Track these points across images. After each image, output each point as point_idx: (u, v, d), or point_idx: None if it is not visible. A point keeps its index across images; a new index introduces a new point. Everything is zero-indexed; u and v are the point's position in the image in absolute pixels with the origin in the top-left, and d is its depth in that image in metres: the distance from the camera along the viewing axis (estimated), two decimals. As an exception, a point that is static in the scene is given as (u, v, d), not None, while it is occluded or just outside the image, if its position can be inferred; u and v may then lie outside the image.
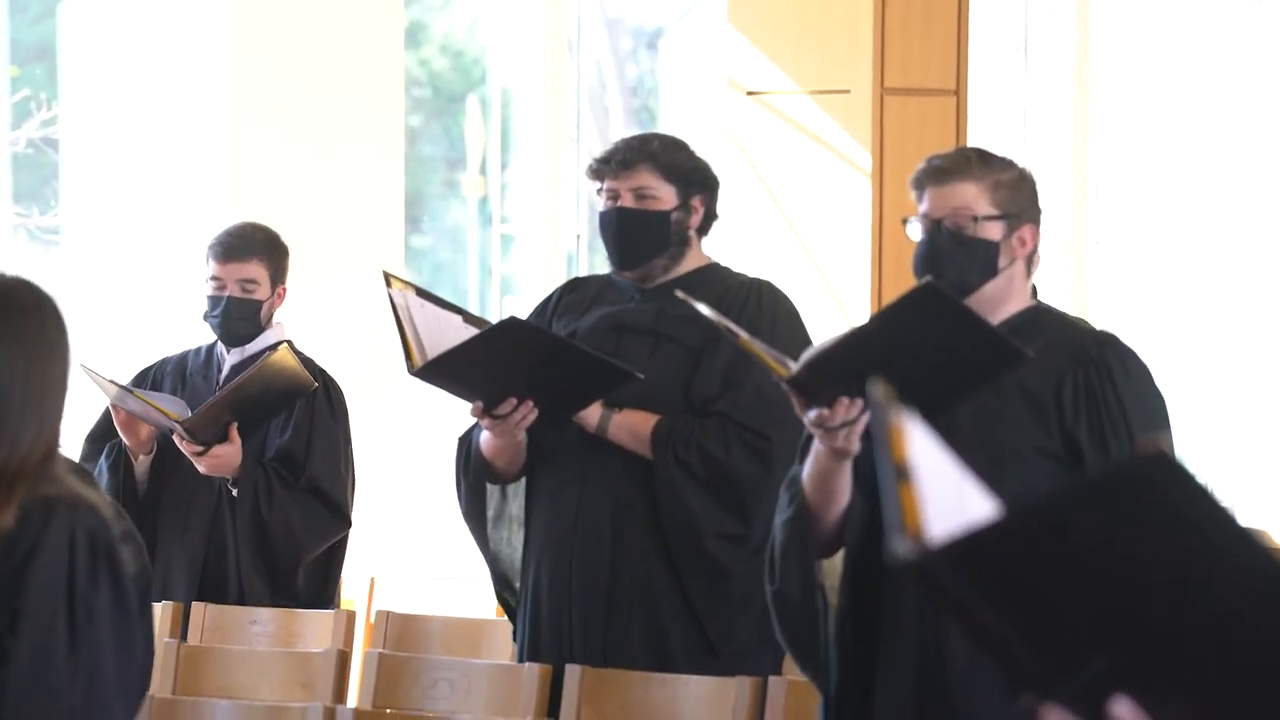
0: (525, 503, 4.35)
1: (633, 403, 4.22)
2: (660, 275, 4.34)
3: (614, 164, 4.28)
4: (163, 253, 7.04)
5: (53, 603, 2.76)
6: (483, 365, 4.10)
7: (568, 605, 4.25)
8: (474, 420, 4.25)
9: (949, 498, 1.64)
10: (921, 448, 1.65)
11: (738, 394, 4.22)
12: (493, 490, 4.36)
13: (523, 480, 4.34)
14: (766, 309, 4.25)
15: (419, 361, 4.12)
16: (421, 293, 4.21)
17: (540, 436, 4.23)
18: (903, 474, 1.63)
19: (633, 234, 4.28)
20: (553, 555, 4.27)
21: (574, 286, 4.48)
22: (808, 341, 4.21)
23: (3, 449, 2.79)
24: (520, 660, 4.32)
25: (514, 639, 4.43)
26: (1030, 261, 3.52)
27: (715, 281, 4.33)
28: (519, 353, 4.11)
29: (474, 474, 4.31)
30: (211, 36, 7.10)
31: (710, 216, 4.37)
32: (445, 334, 4.13)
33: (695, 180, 4.32)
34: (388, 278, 4.21)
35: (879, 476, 1.67)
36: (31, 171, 7.28)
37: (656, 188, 4.29)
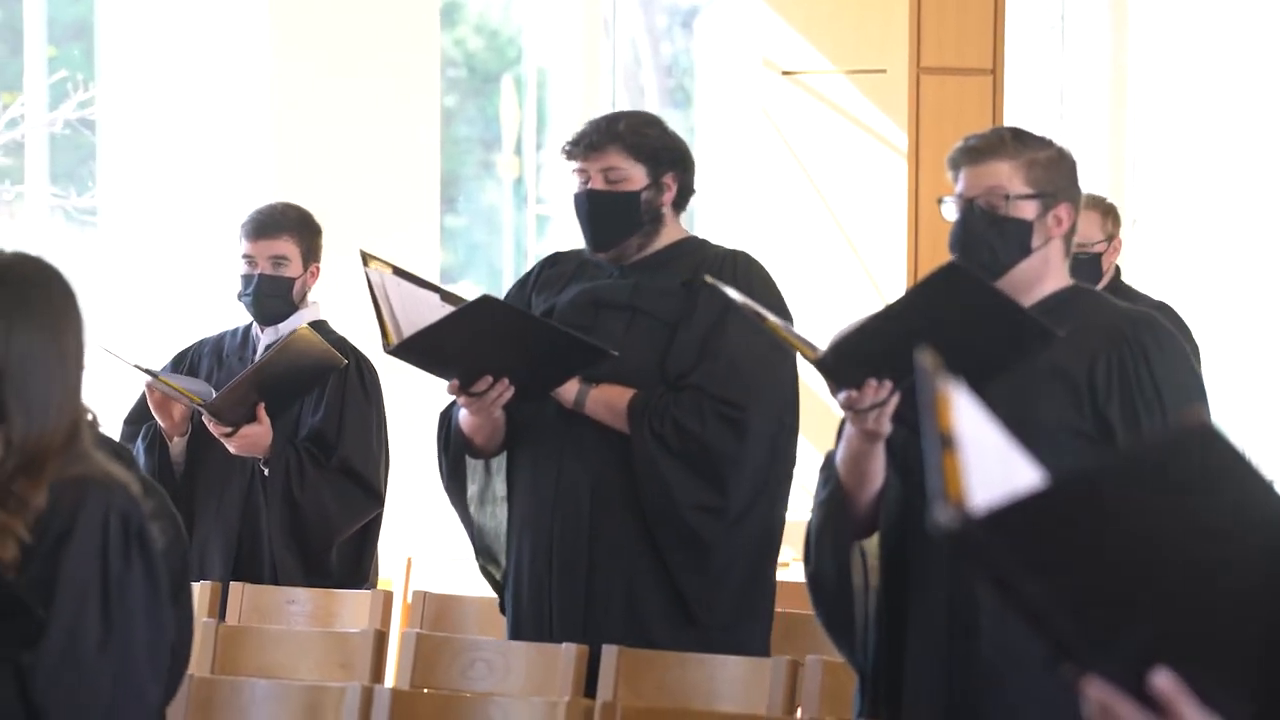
0: (506, 478, 4.37)
1: (609, 377, 4.24)
2: (635, 253, 4.35)
3: (582, 146, 4.31)
4: (200, 234, 7.05)
5: (85, 585, 2.76)
6: (458, 343, 4.13)
7: (548, 579, 4.27)
8: (448, 393, 4.29)
9: (993, 467, 1.64)
10: (967, 417, 1.65)
11: (712, 366, 4.23)
12: (477, 466, 4.38)
13: (504, 457, 4.37)
14: (742, 278, 4.26)
15: (394, 340, 4.15)
16: (399, 271, 4.24)
17: (517, 412, 4.25)
18: (947, 442, 1.63)
19: (604, 216, 4.30)
20: (533, 530, 4.29)
21: (553, 261, 4.50)
22: (785, 311, 4.23)
23: (32, 422, 2.78)
24: (510, 635, 4.34)
25: (501, 611, 4.45)
26: (1068, 241, 3.51)
27: (692, 254, 4.35)
28: (494, 331, 4.13)
29: (454, 450, 4.34)
30: (248, 17, 7.10)
31: (686, 191, 4.37)
32: (422, 313, 4.16)
33: (665, 158, 4.33)
34: (364, 256, 4.23)
35: (924, 445, 1.67)
36: (69, 152, 7.30)
37: (626, 168, 4.30)
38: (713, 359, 4.24)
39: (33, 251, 2.89)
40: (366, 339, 5.52)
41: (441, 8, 7.60)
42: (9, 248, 2.89)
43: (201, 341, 5.46)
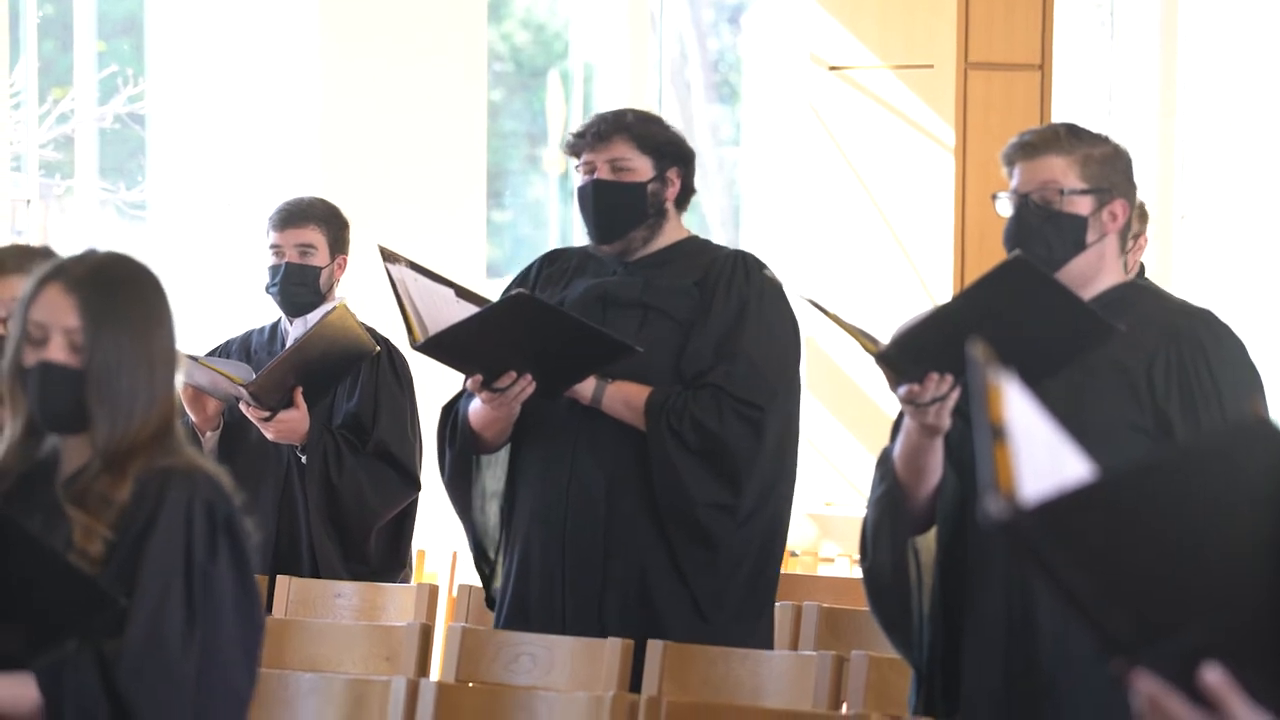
0: (510, 474, 4.37)
1: (624, 376, 4.24)
2: (640, 248, 4.35)
3: (590, 136, 4.31)
4: (248, 227, 7.08)
5: (169, 574, 2.77)
6: (484, 339, 4.13)
7: (560, 574, 4.28)
8: (458, 390, 4.29)
9: (1045, 459, 1.64)
10: (1019, 409, 1.65)
11: (730, 365, 4.24)
12: (474, 461, 4.38)
13: (499, 453, 4.37)
14: (753, 283, 4.27)
15: (420, 336, 4.15)
16: (415, 266, 4.24)
17: (531, 408, 4.26)
18: (999, 434, 1.62)
19: (610, 206, 4.30)
20: (543, 525, 4.29)
21: (553, 258, 4.51)
22: (792, 316, 4.25)
23: (116, 425, 2.80)
24: (497, 626, 4.35)
25: (486, 605, 4.46)
26: (1124, 237, 3.49)
27: (698, 253, 4.36)
28: (522, 327, 4.13)
29: (461, 444, 4.34)
30: (296, 12, 7.12)
31: (687, 190, 4.38)
32: (439, 308, 4.16)
33: (670, 153, 4.34)
34: (385, 252, 4.24)
35: (975, 436, 1.67)
36: (118, 146, 7.33)
37: (632, 159, 4.31)
38: (731, 359, 4.25)
39: (120, 250, 2.91)
40: (400, 332, 5.54)
41: (489, 2, 7.61)
42: (99, 247, 2.91)
43: (229, 341, 5.48)
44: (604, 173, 4.30)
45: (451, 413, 4.38)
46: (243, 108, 7.16)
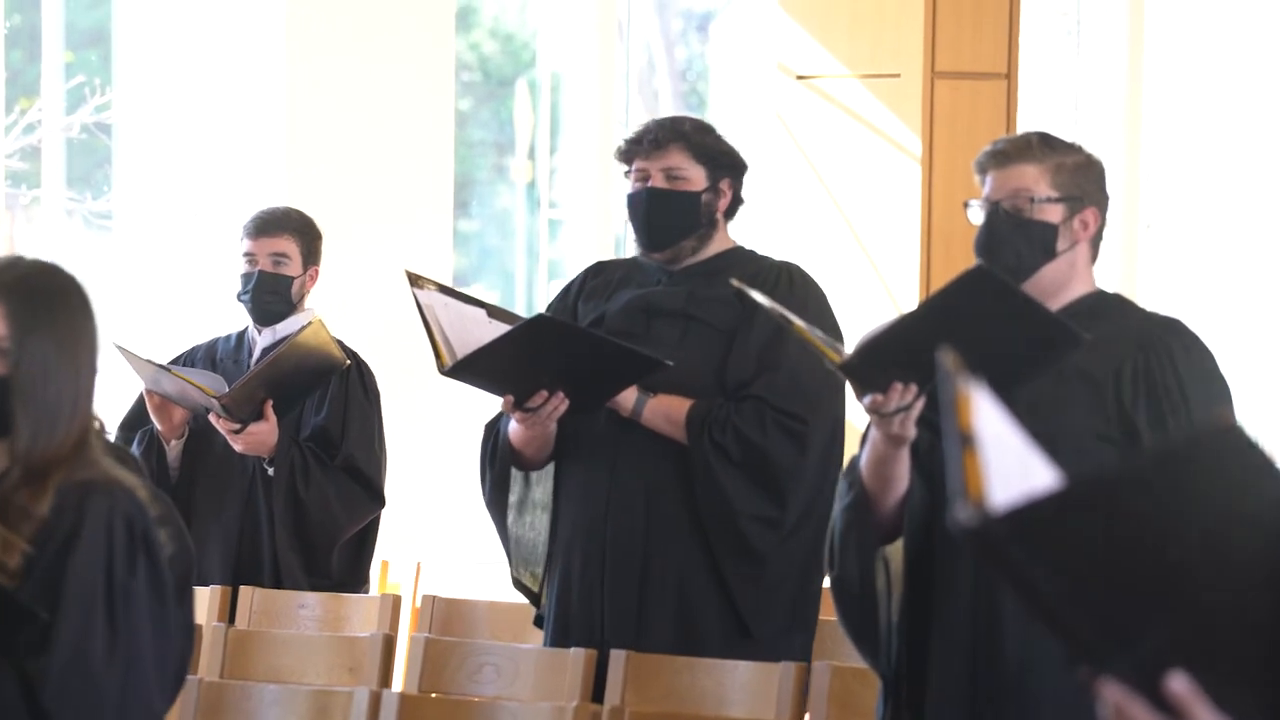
0: (554, 487, 4.35)
1: (666, 387, 4.23)
2: (688, 257, 4.34)
3: (646, 144, 4.29)
4: (215, 237, 7.06)
5: (91, 590, 2.75)
6: (511, 361, 4.12)
7: (600, 588, 4.26)
8: (500, 409, 4.26)
9: (1013, 467, 1.64)
10: (987, 417, 1.65)
11: (773, 377, 4.22)
12: (516, 475, 4.37)
13: (548, 467, 4.36)
14: (798, 292, 4.26)
15: (448, 361, 4.14)
16: (445, 289, 4.23)
17: (569, 423, 4.24)
18: (967, 441, 1.62)
19: (663, 214, 4.29)
20: (584, 539, 4.28)
21: (598, 271, 4.49)
22: (837, 325, 4.22)
23: (39, 435, 2.78)
24: (548, 644, 4.33)
25: (535, 623, 4.44)
26: (1095, 246, 3.50)
27: (744, 264, 4.34)
28: (547, 347, 4.12)
29: (500, 463, 4.32)
30: (264, 22, 7.11)
31: (737, 201, 4.37)
32: (471, 331, 4.15)
33: (724, 163, 4.33)
34: (412, 278, 4.22)
35: (944, 444, 1.67)
36: (85, 156, 7.31)
37: (687, 169, 4.30)
38: (774, 370, 4.23)
39: (49, 259, 2.89)
40: (373, 342, 5.53)
41: (456, 11, 7.60)
42: (26, 254, 2.89)
43: (194, 348, 5.47)
44: (658, 181, 4.28)
45: (493, 431, 4.35)
46: (210, 118, 7.14)
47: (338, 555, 5.22)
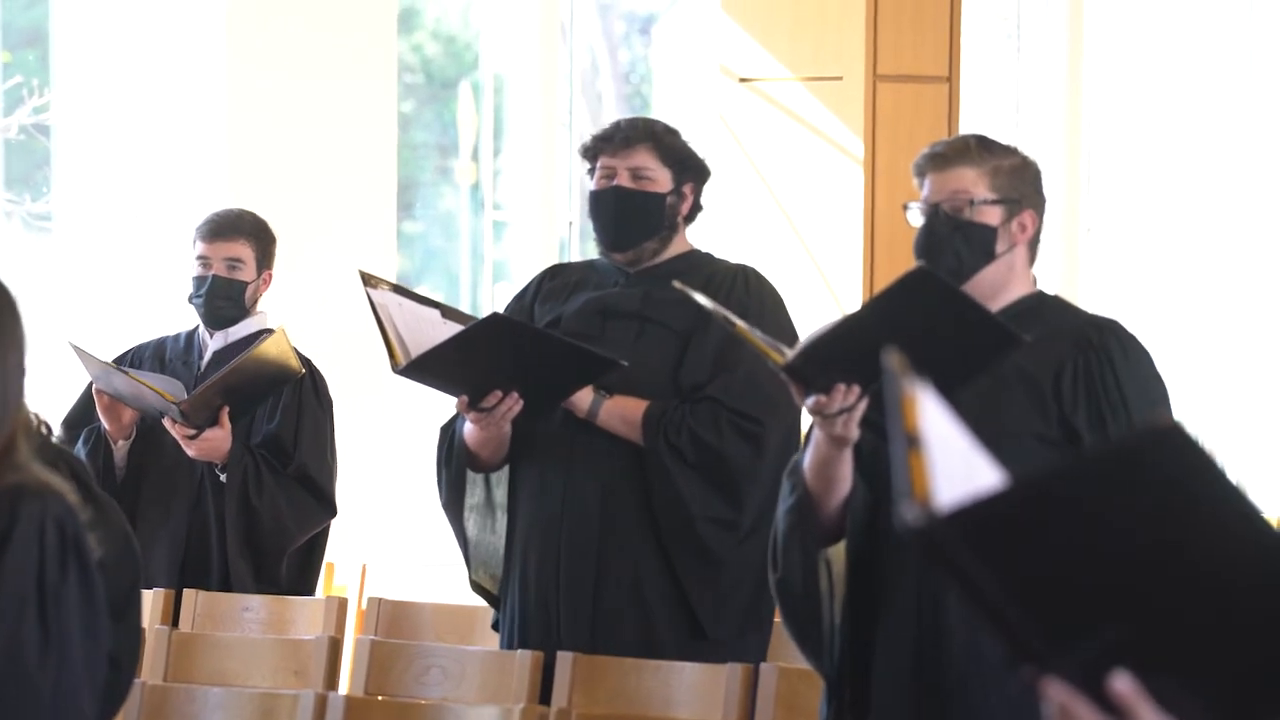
0: (509, 489, 4.35)
1: (621, 387, 4.23)
2: (649, 259, 4.34)
3: (616, 141, 4.28)
4: (155, 239, 7.03)
5: (24, 595, 2.72)
6: (466, 360, 4.11)
7: (555, 590, 4.25)
8: (455, 410, 4.25)
9: (958, 467, 1.65)
10: (932, 418, 1.66)
11: (729, 378, 4.22)
12: (476, 478, 4.36)
13: (506, 469, 4.35)
14: (754, 295, 4.26)
15: (402, 360, 4.13)
16: (399, 289, 4.21)
17: (524, 425, 4.23)
18: (913, 442, 1.63)
19: (629, 214, 4.29)
20: (540, 540, 4.27)
21: (555, 273, 4.48)
22: (792, 328, 4.22)
23: None
24: (505, 646, 4.32)
25: (493, 626, 4.43)
26: (1033, 248, 3.52)
27: (701, 266, 4.34)
28: (502, 347, 4.11)
29: (456, 464, 4.31)
30: (204, 23, 7.08)
31: (697, 206, 4.38)
32: (425, 331, 4.13)
33: (690, 167, 4.33)
34: (365, 277, 4.21)
35: (890, 445, 1.68)
36: (23, 157, 7.27)
37: (654, 169, 4.30)
38: (729, 371, 4.23)
39: None
40: (318, 347, 5.51)
41: (399, 13, 7.58)
42: None
43: (141, 346, 5.42)
44: (624, 180, 4.28)
45: (449, 433, 4.34)
46: (150, 119, 7.11)
47: (286, 563, 5.20)
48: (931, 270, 3.34)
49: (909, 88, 7.83)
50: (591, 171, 4.32)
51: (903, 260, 3.52)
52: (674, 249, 4.35)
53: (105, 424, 5.17)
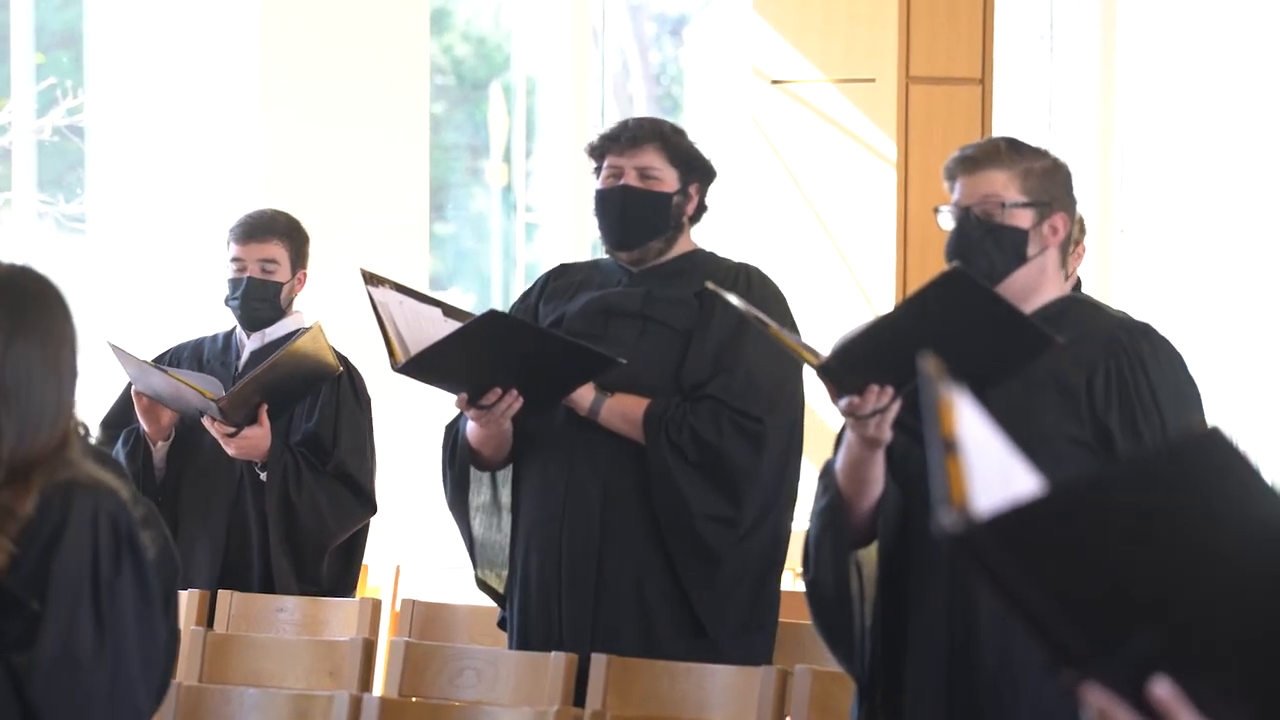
0: (512, 488, 4.36)
1: (622, 385, 4.24)
2: (654, 258, 4.35)
3: (623, 140, 4.29)
4: (188, 240, 7.04)
5: (78, 586, 2.75)
6: (465, 358, 4.12)
7: (557, 587, 4.27)
8: (455, 408, 4.28)
9: (995, 472, 1.65)
10: (969, 422, 1.66)
11: (729, 377, 4.24)
12: (482, 477, 4.37)
13: (509, 468, 4.36)
14: (756, 293, 4.27)
15: (401, 358, 4.14)
16: (400, 288, 4.23)
17: (525, 423, 4.25)
18: (950, 447, 1.63)
19: (635, 213, 4.30)
20: (541, 538, 4.29)
21: (560, 273, 4.50)
22: (794, 326, 4.24)
23: (23, 438, 2.78)
24: (511, 645, 4.34)
25: (499, 625, 4.45)
26: (1064, 250, 3.52)
27: (705, 266, 4.36)
28: (501, 344, 4.12)
29: (460, 463, 4.33)
30: (237, 24, 7.10)
31: (703, 207, 4.39)
32: (425, 329, 4.15)
33: (696, 167, 4.35)
34: (367, 275, 4.22)
35: (927, 449, 1.67)
36: (57, 159, 7.29)
37: (661, 169, 4.31)
38: (730, 371, 4.24)
39: (26, 263, 2.89)
40: (353, 347, 5.52)
41: (430, 14, 7.59)
42: (2, 259, 2.89)
43: (179, 346, 5.44)
44: (631, 179, 4.29)
45: (453, 432, 4.35)
46: (183, 120, 7.12)
47: (327, 562, 5.21)
48: (965, 271, 3.34)
49: (941, 89, 7.82)
50: (598, 171, 4.33)
51: (935, 262, 3.52)
52: (679, 248, 4.37)
53: (144, 425, 5.19)
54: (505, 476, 4.38)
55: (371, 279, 4.21)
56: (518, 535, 4.34)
